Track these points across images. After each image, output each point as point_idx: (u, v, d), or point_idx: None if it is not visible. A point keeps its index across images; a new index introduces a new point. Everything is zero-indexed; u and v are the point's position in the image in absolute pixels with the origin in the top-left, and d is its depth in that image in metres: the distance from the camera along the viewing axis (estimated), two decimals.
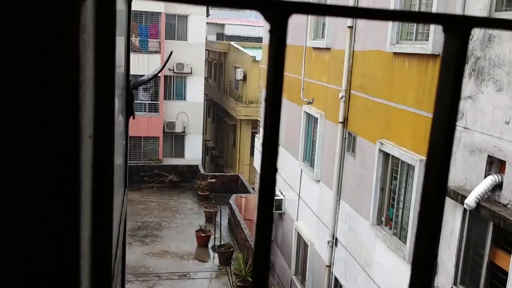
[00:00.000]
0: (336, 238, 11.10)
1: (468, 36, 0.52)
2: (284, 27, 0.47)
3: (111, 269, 1.02)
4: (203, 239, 18.21)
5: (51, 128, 0.48)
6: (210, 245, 18.22)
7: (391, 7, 8.66)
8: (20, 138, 0.47)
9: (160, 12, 25.32)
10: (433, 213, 0.51)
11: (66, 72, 0.46)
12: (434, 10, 7.44)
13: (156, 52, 25.71)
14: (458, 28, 0.52)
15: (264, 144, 0.49)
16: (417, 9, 8.20)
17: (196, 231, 18.40)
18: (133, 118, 1.65)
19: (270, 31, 0.48)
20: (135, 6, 26.58)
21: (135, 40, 25.67)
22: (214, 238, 18.06)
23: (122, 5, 1.33)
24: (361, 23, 10.10)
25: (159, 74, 25.59)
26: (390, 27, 8.75)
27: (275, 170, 0.48)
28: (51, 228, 0.50)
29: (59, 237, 0.51)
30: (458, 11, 6.90)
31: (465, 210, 6.53)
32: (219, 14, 43.70)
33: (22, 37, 0.44)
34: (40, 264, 0.51)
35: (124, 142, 1.60)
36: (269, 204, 0.49)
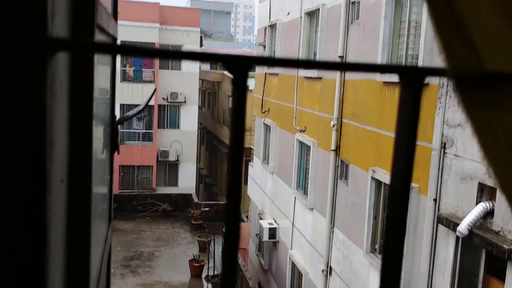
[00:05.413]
0: (331, 267, 11.00)
1: (422, 85, 0.55)
2: (245, 78, 0.51)
3: None
4: (196, 269, 17.99)
5: (15, 171, 0.50)
6: (203, 275, 17.98)
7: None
8: None
9: (154, 43, 25.63)
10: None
11: (30, 121, 0.48)
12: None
13: (150, 81, 25.92)
14: (412, 78, 0.54)
15: (229, 190, 0.50)
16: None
17: (189, 261, 18.19)
18: (118, 153, 1.67)
19: (233, 82, 0.51)
20: (129, 37, 26.60)
21: (129, 70, 25.88)
22: (208, 268, 17.84)
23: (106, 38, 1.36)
24: (352, 53, 10.26)
25: (153, 104, 25.73)
26: (380, 56, 8.90)
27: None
28: (14, 274, 0.51)
29: (23, 280, 0.52)
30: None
31: (457, 237, 6.52)
32: (213, 45, 44.25)
33: None
34: None
35: (109, 176, 1.62)
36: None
